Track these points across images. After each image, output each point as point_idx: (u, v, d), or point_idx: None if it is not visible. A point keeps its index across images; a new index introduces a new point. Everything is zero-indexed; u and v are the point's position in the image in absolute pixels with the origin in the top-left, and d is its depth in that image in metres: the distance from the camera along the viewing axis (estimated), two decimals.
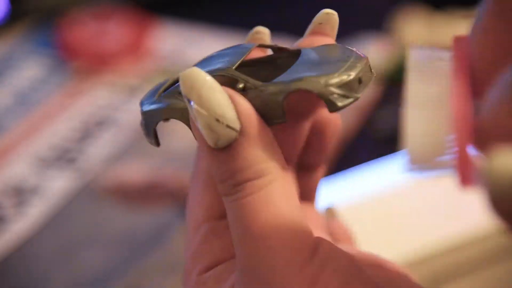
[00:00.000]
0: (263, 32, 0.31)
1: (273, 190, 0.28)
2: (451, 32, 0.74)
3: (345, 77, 0.27)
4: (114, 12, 0.80)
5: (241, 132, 0.28)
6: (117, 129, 0.67)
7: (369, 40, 0.76)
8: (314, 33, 0.30)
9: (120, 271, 0.54)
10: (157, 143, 0.29)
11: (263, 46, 0.30)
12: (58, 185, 0.61)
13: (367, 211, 0.54)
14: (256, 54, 0.31)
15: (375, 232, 0.54)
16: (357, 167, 0.61)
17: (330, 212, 0.35)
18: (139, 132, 0.67)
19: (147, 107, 0.29)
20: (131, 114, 0.69)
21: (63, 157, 0.64)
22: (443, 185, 0.57)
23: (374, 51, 0.75)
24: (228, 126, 0.28)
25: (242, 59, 0.29)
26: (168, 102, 0.29)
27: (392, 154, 0.62)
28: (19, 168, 0.63)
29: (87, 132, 0.67)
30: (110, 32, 0.77)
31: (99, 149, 0.65)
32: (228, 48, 0.30)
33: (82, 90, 0.73)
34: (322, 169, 0.33)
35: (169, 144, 0.65)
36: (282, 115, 0.28)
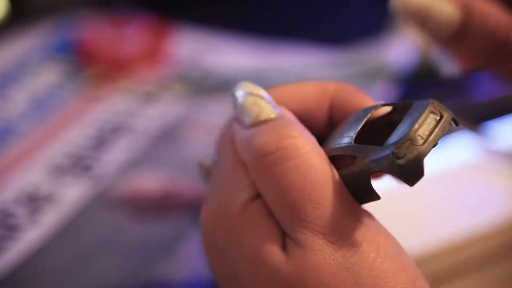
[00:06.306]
0: None
1: (311, 156, 0.31)
2: None
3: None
4: (131, 17, 0.80)
5: (280, 116, 0.32)
6: (133, 136, 0.67)
7: (372, 40, 0.76)
8: None
9: (133, 281, 0.53)
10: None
11: (385, 105, 0.33)
12: (72, 193, 0.61)
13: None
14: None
15: None
16: None
17: None
18: (155, 139, 0.67)
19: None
20: (147, 120, 0.69)
21: (78, 164, 0.64)
22: (443, 184, 0.58)
23: (376, 52, 0.74)
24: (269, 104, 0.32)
25: (360, 126, 0.32)
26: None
27: None
28: (33, 175, 0.63)
29: (103, 139, 0.67)
30: (127, 37, 0.77)
31: (115, 156, 0.65)
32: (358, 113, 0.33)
33: (98, 96, 0.72)
34: None
35: (185, 153, 0.65)
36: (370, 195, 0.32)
